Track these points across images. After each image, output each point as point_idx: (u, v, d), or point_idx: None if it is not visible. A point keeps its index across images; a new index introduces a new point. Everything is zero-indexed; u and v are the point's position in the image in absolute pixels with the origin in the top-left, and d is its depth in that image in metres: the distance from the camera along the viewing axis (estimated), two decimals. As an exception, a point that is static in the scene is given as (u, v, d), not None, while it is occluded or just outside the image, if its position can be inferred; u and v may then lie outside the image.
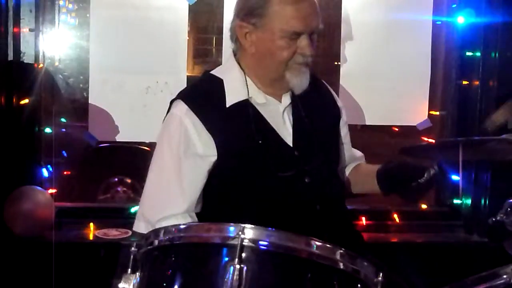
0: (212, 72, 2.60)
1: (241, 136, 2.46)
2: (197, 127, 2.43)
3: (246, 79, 2.52)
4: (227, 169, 2.45)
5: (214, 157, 2.43)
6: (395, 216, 3.73)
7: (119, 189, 4.31)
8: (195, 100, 2.49)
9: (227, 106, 2.47)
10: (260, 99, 2.52)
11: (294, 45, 2.42)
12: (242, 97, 2.49)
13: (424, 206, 3.83)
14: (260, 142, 2.46)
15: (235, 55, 2.58)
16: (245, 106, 2.49)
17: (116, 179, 4.33)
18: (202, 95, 2.53)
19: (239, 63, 2.56)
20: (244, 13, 2.47)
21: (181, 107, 2.47)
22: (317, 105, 2.64)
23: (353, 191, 2.86)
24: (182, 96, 2.53)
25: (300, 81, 2.49)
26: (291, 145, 2.52)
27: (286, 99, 2.56)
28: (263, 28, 2.43)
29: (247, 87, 2.51)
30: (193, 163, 2.43)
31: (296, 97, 2.56)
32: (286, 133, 2.53)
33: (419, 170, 2.46)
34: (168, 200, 2.43)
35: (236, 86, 2.51)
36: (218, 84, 2.51)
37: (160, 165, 2.49)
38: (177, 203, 2.41)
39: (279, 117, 2.54)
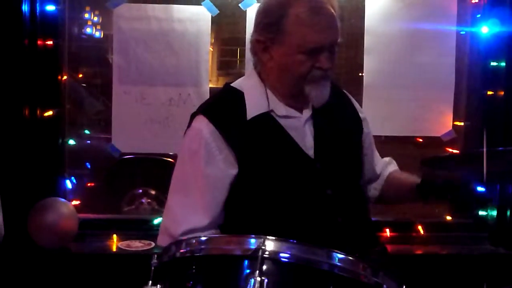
0: (232, 84, 2.58)
1: (262, 148, 2.42)
2: (217, 141, 2.40)
3: (266, 91, 2.49)
4: (249, 182, 2.42)
5: (235, 170, 2.40)
6: (420, 227, 3.70)
7: (143, 200, 4.33)
8: (216, 113, 2.46)
9: (248, 118, 2.44)
10: (281, 111, 2.48)
11: (312, 59, 2.37)
12: (262, 109, 2.46)
13: (448, 218, 3.80)
14: (281, 154, 2.44)
15: (255, 67, 2.55)
16: (266, 118, 2.46)
17: (141, 191, 4.35)
18: (222, 107, 2.50)
19: (259, 76, 2.53)
20: (262, 28, 2.44)
21: (202, 121, 2.45)
22: (339, 116, 2.60)
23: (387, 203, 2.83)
24: (203, 109, 2.51)
25: (319, 95, 2.44)
26: (312, 157, 2.48)
27: (307, 111, 2.52)
28: (280, 43, 2.39)
29: (268, 100, 2.47)
30: (215, 176, 2.40)
31: (318, 109, 2.51)
32: (308, 145, 2.48)
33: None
34: (190, 214, 2.40)
35: (257, 99, 2.48)
36: (238, 97, 2.49)
37: (182, 179, 2.47)
38: (199, 217, 2.39)
39: (301, 129, 2.50)
